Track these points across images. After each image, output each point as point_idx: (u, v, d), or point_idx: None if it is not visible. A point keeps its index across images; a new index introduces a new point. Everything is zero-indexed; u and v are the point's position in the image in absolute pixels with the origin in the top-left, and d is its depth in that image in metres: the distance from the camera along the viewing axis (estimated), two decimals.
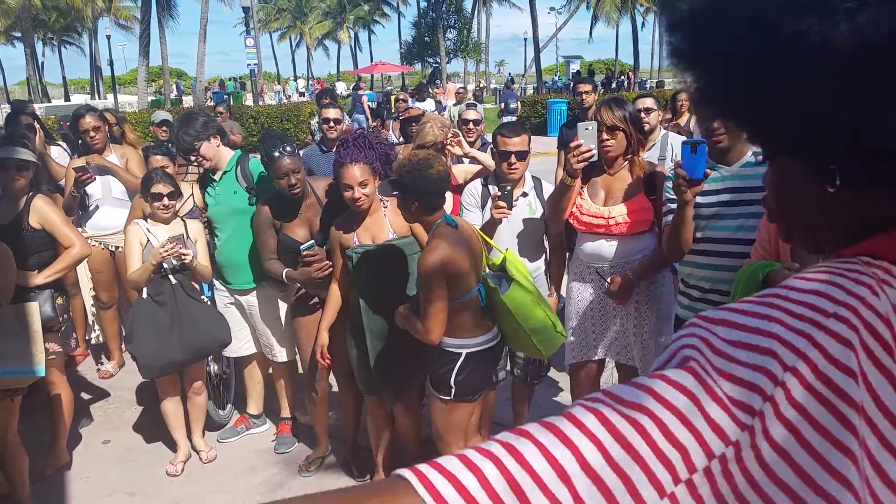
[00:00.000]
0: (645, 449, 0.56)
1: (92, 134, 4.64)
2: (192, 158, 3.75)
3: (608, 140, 3.06)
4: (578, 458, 0.55)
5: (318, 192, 3.48)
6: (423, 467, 0.57)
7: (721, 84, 0.75)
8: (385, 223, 3.13)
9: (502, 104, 18.43)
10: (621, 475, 0.55)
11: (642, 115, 4.23)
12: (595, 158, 2.65)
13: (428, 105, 11.56)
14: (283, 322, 3.82)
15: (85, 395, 4.63)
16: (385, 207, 3.16)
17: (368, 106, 16.33)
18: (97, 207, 4.71)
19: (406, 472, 0.57)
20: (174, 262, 3.53)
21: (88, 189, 4.59)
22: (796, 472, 0.56)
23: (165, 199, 3.56)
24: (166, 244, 3.43)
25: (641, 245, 3.08)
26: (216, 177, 3.80)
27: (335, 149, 3.35)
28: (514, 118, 16.19)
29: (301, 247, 3.24)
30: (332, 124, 4.94)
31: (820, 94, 0.65)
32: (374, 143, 3.14)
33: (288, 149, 3.27)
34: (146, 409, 4.39)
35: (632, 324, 3.18)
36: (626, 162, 3.11)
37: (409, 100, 9.80)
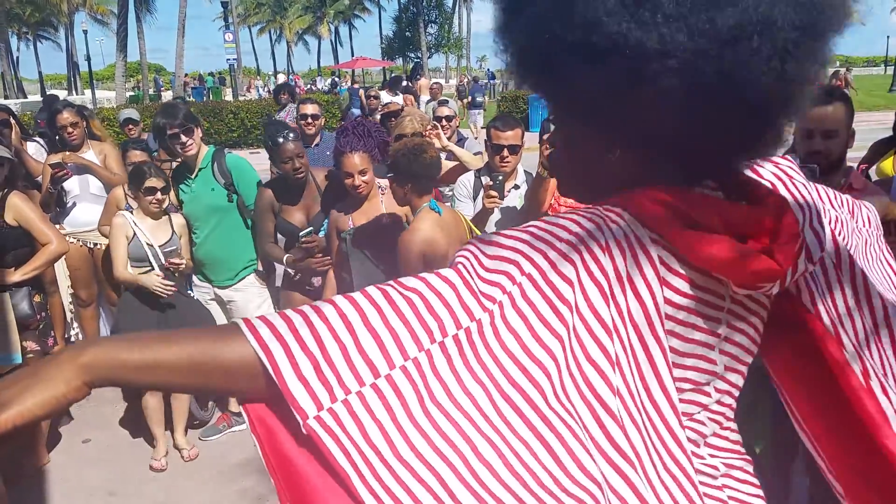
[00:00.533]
0: (410, 315, 0.78)
1: (70, 130, 4.57)
2: (178, 147, 3.66)
3: None
4: (361, 314, 0.78)
5: (317, 181, 3.60)
6: (253, 319, 0.79)
7: (538, 69, 0.95)
8: (381, 208, 3.22)
9: (468, 98, 19.03)
10: (391, 330, 0.77)
11: None
12: None
13: (401, 100, 11.49)
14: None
15: None
16: (382, 194, 3.24)
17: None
18: (74, 204, 4.64)
19: (239, 321, 0.79)
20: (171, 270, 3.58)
21: (66, 185, 4.52)
22: (520, 344, 0.79)
23: (159, 193, 3.59)
24: (165, 284, 3.54)
25: None
26: (192, 174, 3.77)
27: (336, 135, 3.46)
28: (482, 111, 17.55)
29: (300, 233, 3.36)
30: (310, 120, 4.90)
31: (613, 93, 0.86)
32: (373, 131, 3.32)
33: (291, 135, 3.42)
34: (127, 407, 4.34)
35: None
36: None
37: (380, 95, 9.65)
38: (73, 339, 4.90)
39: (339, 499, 0.76)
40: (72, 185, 4.58)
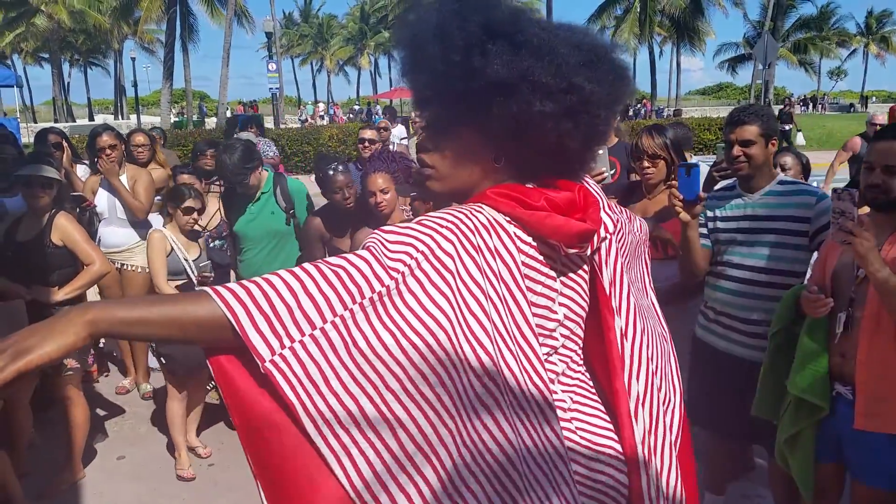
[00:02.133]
0: (337, 283, 1.05)
1: (108, 152, 4.67)
2: (247, 185, 3.97)
3: (649, 168, 3.09)
4: (300, 282, 1.04)
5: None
6: (217, 287, 1.04)
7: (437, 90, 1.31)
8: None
9: None
10: (323, 294, 1.04)
11: (777, 169, 4.19)
12: (608, 181, 2.65)
13: (398, 131, 10.72)
14: None
15: (100, 412, 4.65)
16: (408, 215, 3.36)
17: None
18: (103, 229, 4.76)
19: (206, 289, 1.04)
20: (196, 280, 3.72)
21: (98, 209, 4.69)
22: (418, 303, 1.08)
23: (196, 213, 3.85)
24: (203, 277, 3.76)
25: (672, 271, 3.04)
26: (253, 197, 4.01)
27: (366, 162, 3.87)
28: None
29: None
30: (367, 144, 5.39)
31: (495, 111, 1.24)
32: (397, 157, 3.68)
33: (340, 167, 3.62)
34: (161, 425, 4.40)
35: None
36: (666, 188, 3.13)
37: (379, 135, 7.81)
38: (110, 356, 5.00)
39: (281, 422, 1.03)
40: (102, 208, 4.72)
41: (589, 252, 1.32)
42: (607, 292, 1.37)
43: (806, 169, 4.23)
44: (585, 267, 1.35)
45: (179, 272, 3.81)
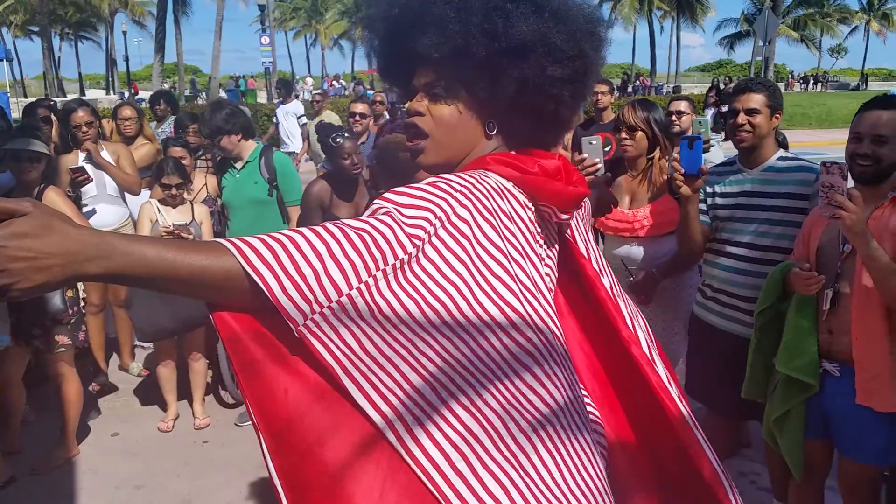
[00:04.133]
0: (363, 248, 1.02)
1: (84, 129, 4.57)
2: (221, 146, 4.10)
3: (626, 139, 3.05)
4: (326, 246, 1.00)
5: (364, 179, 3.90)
6: (236, 242, 0.99)
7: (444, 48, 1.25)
8: None
9: None
10: (349, 259, 1.00)
11: (673, 117, 4.18)
12: (602, 173, 2.62)
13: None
14: None
15: (94, 388, 4.63)
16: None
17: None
18: (94, 210, 4.61)
19: (225, 242, 0.99)
20: None
21: (83, 188, 4.54)
22: (436, 269, 1.08)
23: (174, 189, 4.01)
24: (168, 228, 3.88)
25: (668, 247, 3.02)
26: (238, 165, 4.13)
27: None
28: None
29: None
30: (358, 118, 5.40)
31: (494, 79, 1.24)
32: None
33: (346, 134, 3.73)
34: (155, 402, 4.39)
35: (657, 325, 3.13)
36: (649, 164, 3.09)
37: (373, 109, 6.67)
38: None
39: (287, 375, 1.02)
40: (89, 186, 4.57)
41: (566, 217, 1.33)
42: (585, 256, 1.37)
43: (783, 146, 4.19)
44: (557, 238, 1.36)
45: None
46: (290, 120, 9.15)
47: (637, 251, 3.09)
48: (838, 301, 2.32)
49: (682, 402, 1.36)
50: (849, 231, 2.14)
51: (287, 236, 1.01)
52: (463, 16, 1.22)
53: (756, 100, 2.69)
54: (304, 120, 8.91)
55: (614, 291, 1.40)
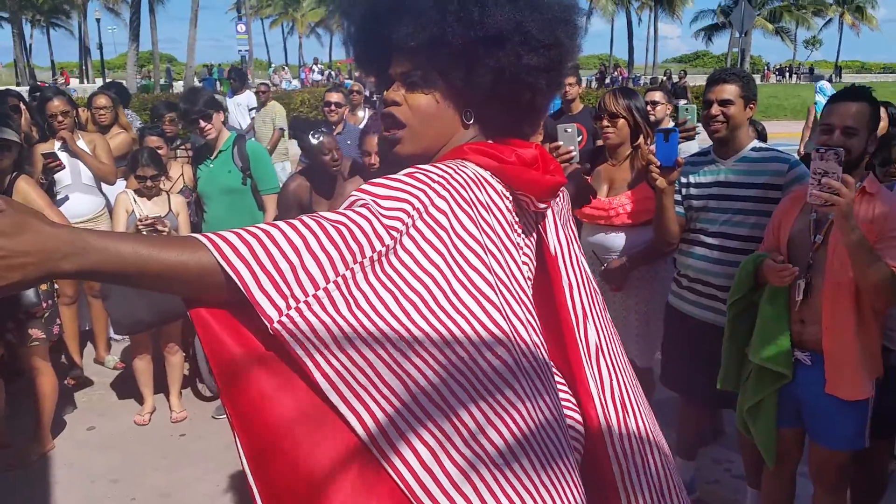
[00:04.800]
0: (340, 242, 1.02)
1: (60, 118, 4.50)
2: (200, 127, 4.01)
3: (608, 127, 3.05)
4: (303, 240, 1.00)
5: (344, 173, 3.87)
6: (211, 237, 0.99)
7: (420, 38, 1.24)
8: None
9: None
10: (326, 253, 1.00)
11: (648, 107, 4.21)
12: (577, 161, 2.62)
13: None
14: None
15: (69, 382, 4.57)
16: None
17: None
18: (67, 197, 4.52)
19: (200, 237, 0.99)
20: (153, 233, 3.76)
21: (57, 176, 4.45)
22: (414, 261, 1.08)
23: (148, 181, 3.99)
24: (144, 219, 3.83)
25: (645, 237, 3.03)
26: (212, 155, 4.10)
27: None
28: None
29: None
30: (333, 108, 5.43)
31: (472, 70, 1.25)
32: None
33: (324, 130, 3.70)
34: (131, 395, 4.35)
35: (632, 316, 3.16)
36: (630, 152, 3.10)
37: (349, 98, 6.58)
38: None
39: (264, 374, 1.01)
40: (64, 175, 4.48)
41: (543, 205, 1.33)
42: (552, 252, 1.37)
43: (761, 137, 4.25)
44: (535, 227, 1.36)
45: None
46: (241, 111, 8.81)
47: (611, 240, 3.09)
48: (810, 292, 2.35)
49: (607, 415, 1.37)
50: (841, 218, 2.13)
51: (263, 230, 1.00)
52: (439, 4, 1.22)
53: (729, 90, 2.71)
54: (254, 113, 8.63)
55: (581, 290, 1.39)
